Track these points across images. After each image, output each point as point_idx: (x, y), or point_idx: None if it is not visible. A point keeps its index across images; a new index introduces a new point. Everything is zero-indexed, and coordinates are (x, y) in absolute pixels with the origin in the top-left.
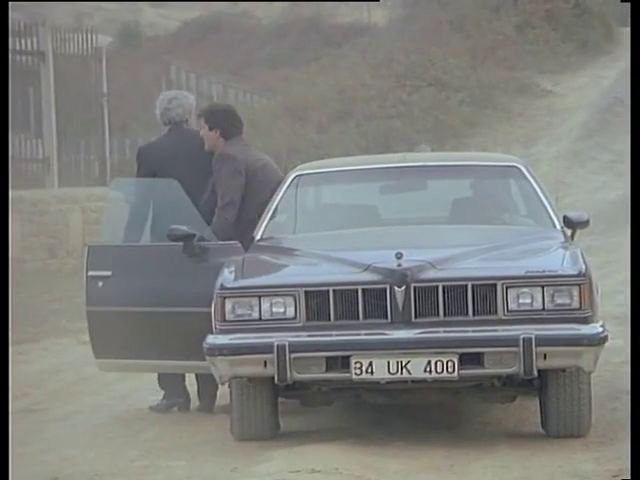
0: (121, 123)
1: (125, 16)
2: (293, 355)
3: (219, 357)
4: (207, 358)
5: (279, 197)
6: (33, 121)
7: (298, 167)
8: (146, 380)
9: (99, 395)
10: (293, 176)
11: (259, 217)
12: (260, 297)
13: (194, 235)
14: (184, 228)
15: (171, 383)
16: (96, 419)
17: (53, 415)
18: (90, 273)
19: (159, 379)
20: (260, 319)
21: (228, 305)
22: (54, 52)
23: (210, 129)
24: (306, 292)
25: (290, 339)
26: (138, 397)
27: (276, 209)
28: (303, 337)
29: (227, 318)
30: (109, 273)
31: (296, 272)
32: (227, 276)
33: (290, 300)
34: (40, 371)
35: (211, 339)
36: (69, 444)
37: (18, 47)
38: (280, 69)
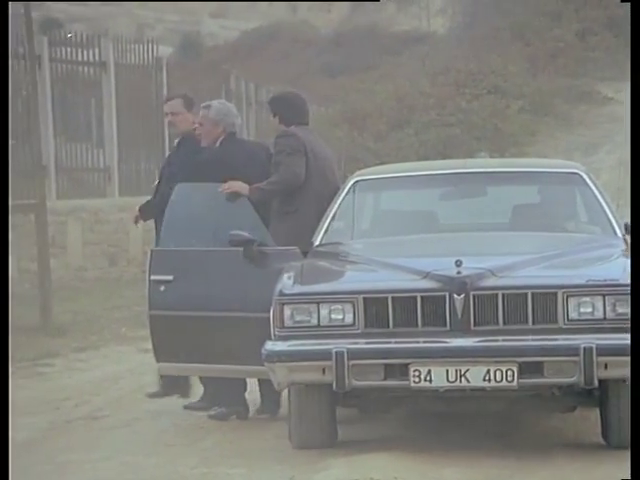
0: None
1: (186, 27)
2: (351, 362)
3: (277, 363)
4: (265, 364)
5: (338, 203)
6: (95, 131)
7: (357, 173)
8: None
9: (158, 402)
10: (352, 182)
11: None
12: (319, 303)
13: (254, 240)
14: (245, 233)
15: (231, 391)
16: (156, 426)
17: (114, 422)
18: (152, 277)
19: (219, 388)
20: (318, 325)
21: (287, 311)
22: (116, 63)
23: (273, 116)
24: (365, 299)
25: (348, 346)
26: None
27: (335, 215)
28: (361, 344)
29: (286, 324)
30: (171, 277)
31: (355, 279)
32: (286, 282)
33: (349, 307)
34: (100, 378)
35: (269, 345)
36: (130, 451)
37: (80, 58)
38: (338, 78)
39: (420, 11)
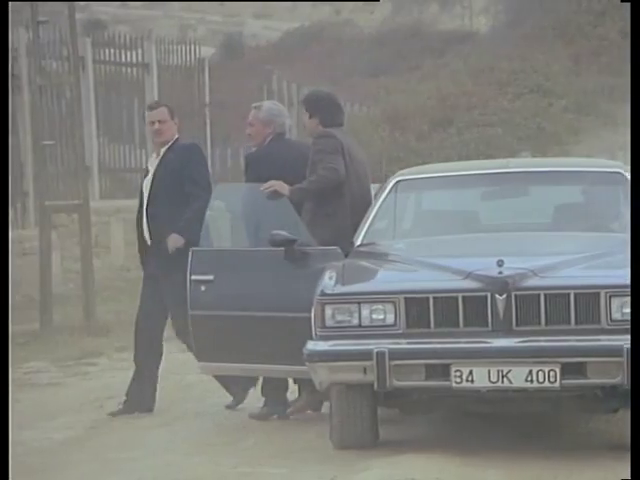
0: (223, 133)
1: (228, 28)
2: (393, 362)
3: (319, 363)
4: (307, 364)
5: (379, 202)
6: (137, 131)
7: (399, 173)
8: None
9: (200, 402)
10: (394, 181)
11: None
12: (360, 304)
13: (295, 240)
14: (286, 233)
15: (272, 391)
16: (197, 425)
17: (156, 421)
18: (193, 277)
19: (262, 387)
20: (360, 326)
21: (328, 311)
22: (158, 64)
23: (310, 117)
24: (406, 299)
25: (390, 346)
26: (238, 404)
27: (376, 214)
28: (403, 344)
29: (327, 324)
30: (211, 277)
31: (396, 279)
32: (327, 282)
33: (390, 307)
34: None
35: (311, 345)
36: (172, 450)
37: (123, 59)
38: (381, 77)
39: (463, 10)
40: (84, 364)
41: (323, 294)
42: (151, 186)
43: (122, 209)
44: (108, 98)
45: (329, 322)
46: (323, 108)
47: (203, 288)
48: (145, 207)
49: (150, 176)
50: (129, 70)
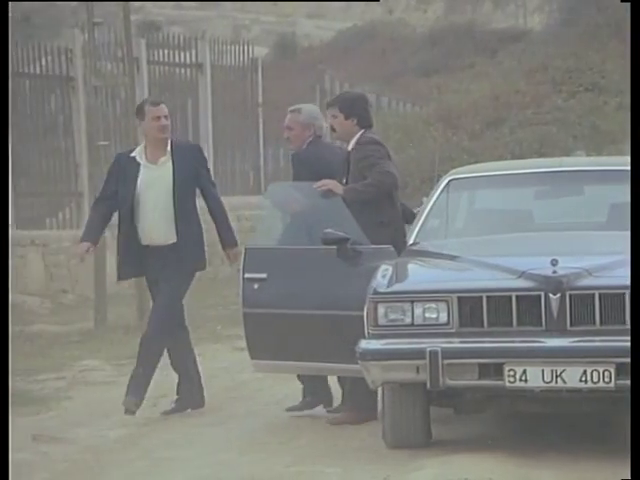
0: (276, 133)
1: (282, 28)
2: (446, 361)
3: (371, 362)
4: (359, 363)
5: (432, 201)
6: (191, 131)
7: (452, 171)
8: (299, 386)
9: (253, 401)
10: (447, 180)
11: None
12: (413, 302)
13: (348, 239)
14: (338, 232)
15: (314, 380)
16: (251, 424)
17: (209, 420)
18: (246, 275)
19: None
20: (412, 324)
21: (381, 310)
22: (212, 64)
23: (346, 118)
24: (459, 298)
25: (443, 345)
26: (292, 403)
27: (429, 213)
28: (456, 343)
29: (379, 323)
30: (265, 275)
31: (449, 277)
32: (380, 281)
33: (443, 306)
34: None
35: (363, 344)
36: (225, 448)
37: (177, 60)
38: (433, 76)
39: (517, 9)
40: None
41: (376, 292)
42: (174, 184)
43: None
44: (162, 98)
45: (382, 321)
46: (359, 109)
47: (256, 286)
48: (174, 204)
49: (166, 174)
50: (183, 71)
